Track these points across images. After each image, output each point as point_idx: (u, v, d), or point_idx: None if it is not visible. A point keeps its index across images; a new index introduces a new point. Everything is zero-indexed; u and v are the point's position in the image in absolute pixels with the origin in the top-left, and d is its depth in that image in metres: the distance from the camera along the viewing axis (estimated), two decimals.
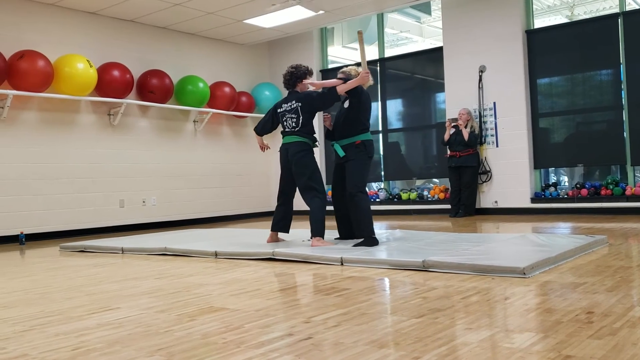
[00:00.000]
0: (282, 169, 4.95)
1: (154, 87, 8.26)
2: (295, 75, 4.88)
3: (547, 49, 7.96)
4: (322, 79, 9.51)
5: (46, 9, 7.45)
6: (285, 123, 4.88)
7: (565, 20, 8.88)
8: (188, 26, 8.76)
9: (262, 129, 5.10)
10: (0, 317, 2.75)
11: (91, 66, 7.38)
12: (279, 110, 4.96)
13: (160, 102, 8.42)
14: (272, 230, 5.04)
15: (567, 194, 7.73)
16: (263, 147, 5.28)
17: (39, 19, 7.38)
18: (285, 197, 5.00)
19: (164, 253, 5.01)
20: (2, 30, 7.00)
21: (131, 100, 8.12)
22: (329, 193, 9.77)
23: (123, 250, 5.33)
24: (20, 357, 2.04)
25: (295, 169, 4.79)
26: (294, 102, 4.83)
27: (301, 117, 4.78)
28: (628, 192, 7.30)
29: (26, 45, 7.10)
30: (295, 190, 4.97)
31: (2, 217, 6.92)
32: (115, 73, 7.76)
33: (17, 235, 6.84)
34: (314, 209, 4.70)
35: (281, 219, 4.99)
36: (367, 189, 4.83)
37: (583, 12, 8.98)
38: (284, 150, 4.88)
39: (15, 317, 2.73)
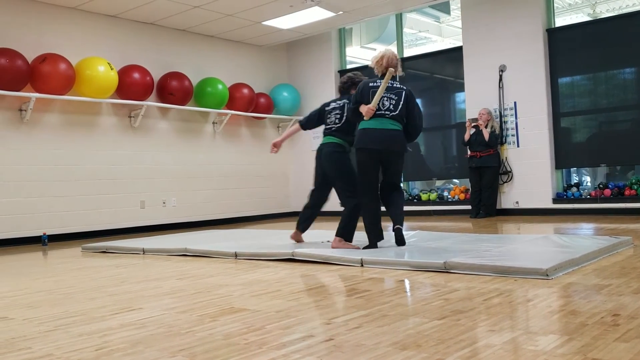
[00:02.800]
0: (315, 171, 5.00)
1: (173, 89, 8.32)
2: (352, 80, 4.93)
3: (568, 48, 7.86)
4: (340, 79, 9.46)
5: (67, 13, 7.55)
6: (329, 119, 4.91)
7: (587, 19, 8.77)
8: (207, 28, 8.81)
9: (307, 122, 5.14)
10: (26, 317, 2.79)
11: (112, 69, 7.46)
12: (327, 108, 5.00)
13: (180, 104, 8.48)
14: (296, 229, 5.13)
15: (589, 195, 7.63)
16: (277, 147, 5.19)
17: (61, 23, 7.48)
18: (314, 200, 5.05)
19: (184, 254, 5.04)
20: (24, 34, 7.11)
21: (151, 103, 8.19)
22: None
23: (144, 251, 5.38)
24: (45, 357, 2.07)
25: (326, 169, 4.82)
26: (344, 100, 4.88)
27: (345, 115, 4.80)
28: None
29: (48, 48, 7.19)
30: (326, 195, 5.01)
31: (26, 218, 7.03)
32: (136, 75, 7.83)
33: (40, 236, 6.93)
34: (347, 211, 4.66)
35: (304, 220, 5.09)
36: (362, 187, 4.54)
37: (605, 10, 8.86)
38: (319, 151, 4.90)
39: (39, 317, 2.77)
